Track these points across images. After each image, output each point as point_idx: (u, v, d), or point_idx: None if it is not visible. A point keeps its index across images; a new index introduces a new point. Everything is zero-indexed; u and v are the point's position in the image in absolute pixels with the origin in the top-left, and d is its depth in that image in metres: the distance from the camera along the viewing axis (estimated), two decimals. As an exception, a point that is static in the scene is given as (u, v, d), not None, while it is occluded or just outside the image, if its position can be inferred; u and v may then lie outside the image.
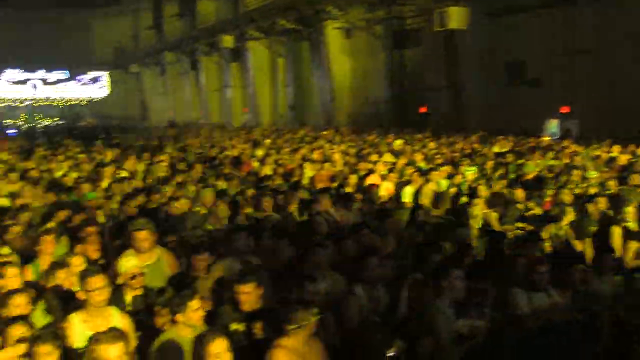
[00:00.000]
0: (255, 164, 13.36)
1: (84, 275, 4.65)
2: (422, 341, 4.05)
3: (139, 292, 5.59)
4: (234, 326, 4.90)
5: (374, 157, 12.99)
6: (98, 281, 4.63)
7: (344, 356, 4.69)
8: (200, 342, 3.91)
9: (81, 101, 43.03)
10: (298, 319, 4.35)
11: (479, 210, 8.33)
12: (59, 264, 5.56)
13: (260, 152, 15.18)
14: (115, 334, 3.88)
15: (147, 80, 44.38)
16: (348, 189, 10.03)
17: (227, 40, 32.93)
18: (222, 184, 10.27)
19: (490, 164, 12.28)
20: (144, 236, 6.23)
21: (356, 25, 25.52)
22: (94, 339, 3.80)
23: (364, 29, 25.21)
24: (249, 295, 4.96)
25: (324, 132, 19.97)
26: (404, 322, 4.80)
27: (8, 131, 33.19)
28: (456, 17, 20.88)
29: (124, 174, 11.44)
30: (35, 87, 40.22)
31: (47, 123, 39.91)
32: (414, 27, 24.33)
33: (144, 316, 5.23)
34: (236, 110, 33.39)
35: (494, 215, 8.41)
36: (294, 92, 28.96)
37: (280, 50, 29.96)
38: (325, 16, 25.81)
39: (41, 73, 40.82)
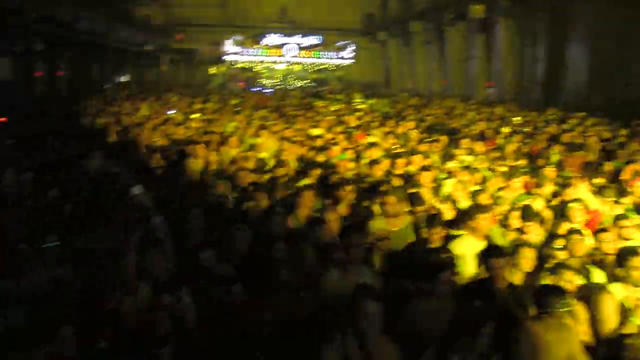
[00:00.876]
0: (500, 141, 12.94)
1: (343, 233, 4.92)
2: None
3: (384, 254, 5.80)
4: (475, 302, 4.85)
5: (634, 146, 11.82)
6: (356, 239, 4.87)
7: (598, 355, 4.41)
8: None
9: (329, 66, 45.08)
10: (549, 305, 4.20)
11: None
12: (317, 219, 5.94)
13: (505, 130, 14.64)
14: (374, 290, 4.06)
15: (393, 48, 45.08)
16: (601, 179, 9.21)
17: (477, 10, 32.01)
18: (467, 158, 10.14)
19: None
20: (392, 201, 6.42)
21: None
22: (354, 293, 4.01)
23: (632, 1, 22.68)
24: (501, 270, 4.88)
25: (576, 114, 18.60)
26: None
27: (265, 90, 36.07)
28: None
29: (373, 139, 11.81)
30: (291, 51, 42.94)
31: (298, 85, 42.68)
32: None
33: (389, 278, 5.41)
34: (479, 83, 32.55)
35: None
36: (544, 69, 27.32)
37: (532, 23, 28.38)
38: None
39: (297, 38, 43.42)
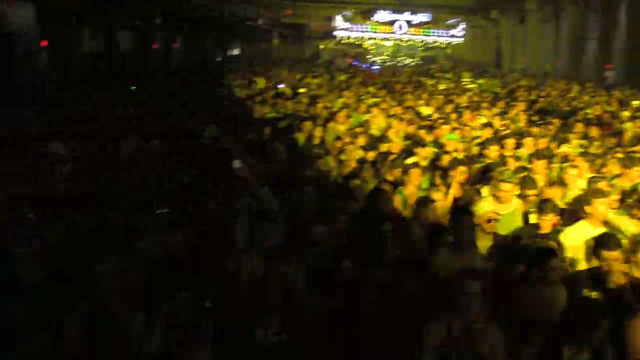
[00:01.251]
0: (618, 126, 12.28)
1: (453, 213, 4.87)
2: None
3: (490, 237, 5.69)
4: (588, 293, 4.68)
5: None
6: (467, 221, 4.81)
7: None
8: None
9: (439, 44, 44.20)
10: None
11: None
12: (425, 198, 5.91)
13: (624, 114, 13.84)
14: (478, 271, 4.02)
15: (505, 27, 43.51)
16: None
17: (599, -13, 30.37)
18: (582, 143, 9.71)
19: None
20: (506, 188, 6.23)
21: None
22: (461, 272, 3.99)
23: None
24: (612, 263, 4.67)
25: None
26: None
27: (373, 67, 35.89)
28: None
29: (482, 119, 11.55)
30: (400, 28, 42.39)
31: (406, 62, 42.21)
32: None
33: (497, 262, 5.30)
34: (597, 65, 30.86)
35: None
36: (673, 51, 25.48)
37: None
38: None
39: (407, 15, 42.77)
